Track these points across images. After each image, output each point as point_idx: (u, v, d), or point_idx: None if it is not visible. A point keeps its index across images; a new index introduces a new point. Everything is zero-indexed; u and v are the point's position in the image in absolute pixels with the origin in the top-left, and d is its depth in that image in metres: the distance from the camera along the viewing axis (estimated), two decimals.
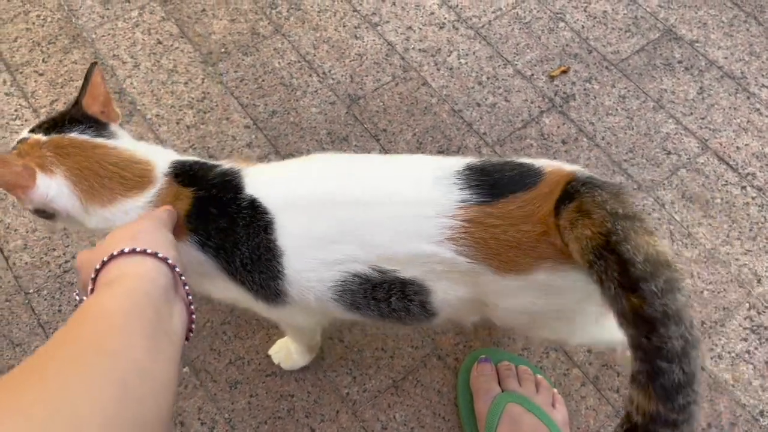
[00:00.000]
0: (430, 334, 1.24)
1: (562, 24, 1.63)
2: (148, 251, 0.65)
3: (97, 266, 0.64)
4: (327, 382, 1.20)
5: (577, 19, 1.63)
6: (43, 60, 1.59)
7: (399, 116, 1.50)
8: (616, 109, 1.49)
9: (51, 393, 0.43)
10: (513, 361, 1.17)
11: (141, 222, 0.73)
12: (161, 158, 0.88)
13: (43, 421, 0.41)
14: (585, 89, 1.52)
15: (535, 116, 1.49)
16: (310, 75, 1.57)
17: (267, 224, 0.82)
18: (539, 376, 1.14)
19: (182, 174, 0.87)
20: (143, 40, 1.63)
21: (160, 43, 1.63)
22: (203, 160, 0.91)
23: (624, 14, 1.64)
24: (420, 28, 1.64)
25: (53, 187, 0.83)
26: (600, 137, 1.46)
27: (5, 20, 1.67)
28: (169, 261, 0.66)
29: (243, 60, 1.59)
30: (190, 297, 0.68)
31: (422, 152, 1.44)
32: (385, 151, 1.44)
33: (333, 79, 1.56)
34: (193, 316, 0.69)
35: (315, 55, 1.60)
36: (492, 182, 0.76)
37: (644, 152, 1.43)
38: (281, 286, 0.85)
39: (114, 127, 0.92)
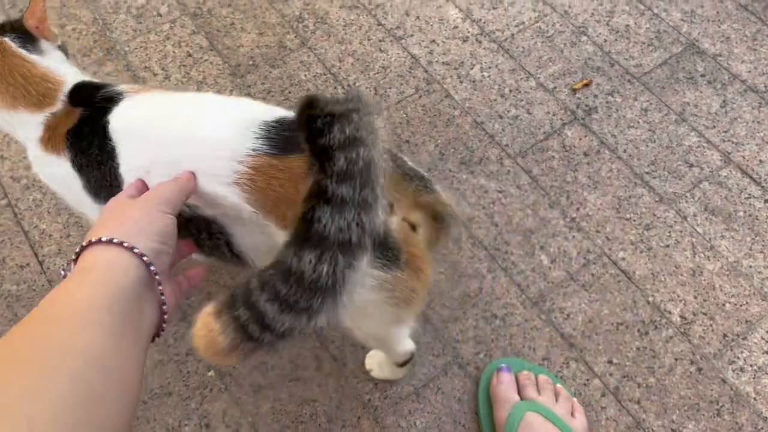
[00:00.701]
0: (451, 343, 1.26)
1: (584, 38, 1.64)
2: (125, 244, 0.62)
3: (77, 249, 0.63)
4: (349, 388, 1.22)
5: (600, 33, 1.65)
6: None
7: (422, 127, 1.52)
8: (638, 122, 1.50)
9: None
10: (533, 370, 1.18)
11: (137, 205, 0.70)
12: (71, 80, 0.94)
13: None
14: (607, 102, 1.54)
15: (557, 128, 1.50)
16: (335, 87, 1.60)
17: (112, 150, 0.87)
18: (559, 386, 1.15)
19: (75, 93, 0.93)
20: (174, 52, 1.68)
21: (190, 55, 1.68)
22: (99, 82, 0.96)
23: (647, 28, 1.65)
24: (443, 42, 1.66)
25: None
26: (622, 149, 1.46)
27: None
28: (145, 258, 0.63)
29: (270, 72, 1.63)
30: (163, 297, 0.66)
31: (445, 163, 1.46)
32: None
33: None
34: (165, 316, 0.67)
35: (340, 68, 1.64)
36: (287, 138, 0.77)
37: (666, 165, 1.44)
38: None
39: (46, 45, 0.97)
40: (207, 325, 0.60)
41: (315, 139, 0.58)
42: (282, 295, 0.57)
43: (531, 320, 1.27)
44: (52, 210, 1.43)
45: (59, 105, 0.92)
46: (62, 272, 0.67)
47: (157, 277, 0.65)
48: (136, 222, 0.66)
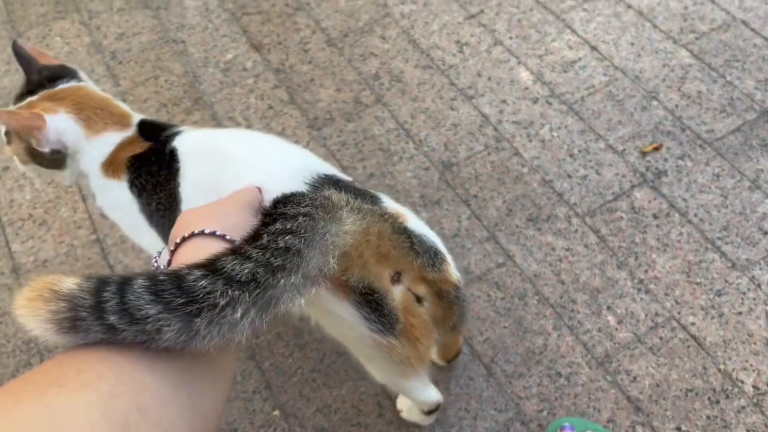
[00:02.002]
0: (514, 399, 1.25)
1: (655, 102, 1.66)
2: (227, 237, 0.60)
3: (177, 240, 0.61)
4: None
5: (671, 98, 1.66)
6: (167, 119, 1.76)
7: (490, 183, 1.55)
8: (710, 187, 1.50)
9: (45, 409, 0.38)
10: (597, 431, 1.16)
11: (226, 203, 0.69)
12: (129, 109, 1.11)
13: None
14: (678, 166, 1.54)
15: (626, 190, 1.51)
16: (407, 142, 1.66)
17: (176, 171, 0.98)
18: None
19: (143, 126, 1.07)
20: (256, 104, 1.78)
21: (271, 107, 1.77)
22: (160, 122, 1.11)
23: (719, 95, 1.66)
24: (514, 102, 1.71)
25: (60, 120, 1.02)
26: (693, 214, 1.46)
27: (138, 83, 1.87)
28: None
29: (345, 126, 1.71)
30: None
31: (512, 219, 1.48)
32: (475, 216, 1.50)
33: (428, 146, 1.65)
34: None
35: (412, 124, 1.70)
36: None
37: (739, 231, 1.42)
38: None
39: (84, 76, 1.13)
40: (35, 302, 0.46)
41: (259, 229, 0.60)
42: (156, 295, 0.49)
43: (596, 381, 1.26)
44: (136, 247, 1.51)
45: (133, 130, 1.07)
46: (154, 262, 0.68)
47: None
48: (230, 218, 0.64)
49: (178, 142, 1.02)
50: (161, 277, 0.46)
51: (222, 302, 0.46)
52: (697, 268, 1.38)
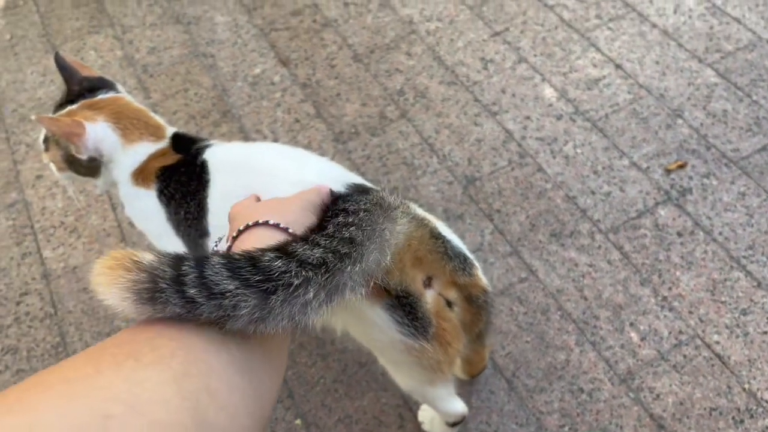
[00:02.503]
0: (535, 413, 1.25)
1: (680, 121, 1.66)
2: (290, 230, 0.59)
3: (241, 227, 0.60)
4: None
5: (696, 117, 1.66)
6: (196, 132, 1.80)
7: (513, 199, 1.56)
8: (735, 206, 1.49)
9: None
10: None
11: (292, 200, 0.67)
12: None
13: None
14: (702, 184, 1.54)
15: (650, 207, 1.51)
16: (431, 156, 1.68)
17: (206, 183, 1.02)
18: None
19: (176, 139, 1.12)
20: (283, 117, 1.82)
21: (297, 121, 1.80)
22: (192, 135, 1.15)
23: (745, 114, 1.65)
24: (538, 118, 1.72)
25: (99, 128, 1.06)
26: (717, 232, 1.45)
27: (168, 96, 1.91)
28: None
29: (370, 140, 1.73)
30: None
31: (535, 234, 1.49)
32: (498, 231, 1.51)
33: (452, 161, 1.66)
34: None
35: (436, 139, 1.72)
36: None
37: (765, 250, 1.41)
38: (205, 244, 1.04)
39: (122, 89, 1.18)
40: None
41: (323, 222, 0.60)
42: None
43: (618, 397, 1.25)
44: None
45: (166, 142, 1.11)
46: (214, 246, 0.67)
47: None
48: (293, 214, 0.62)
49: (208, 155, 1.06)
50: (236, 256, 0.47)
51: (296, 282, 0.46)
52: (722, 286, 1.37)
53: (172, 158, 1.09)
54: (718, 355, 1.29)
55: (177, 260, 0.45)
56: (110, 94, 1.12)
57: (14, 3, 2.28)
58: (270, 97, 1.88)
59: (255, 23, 2.09)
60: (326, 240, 0.52)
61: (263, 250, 0.49)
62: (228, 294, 0.44)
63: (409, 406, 1.29)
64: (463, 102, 1.79)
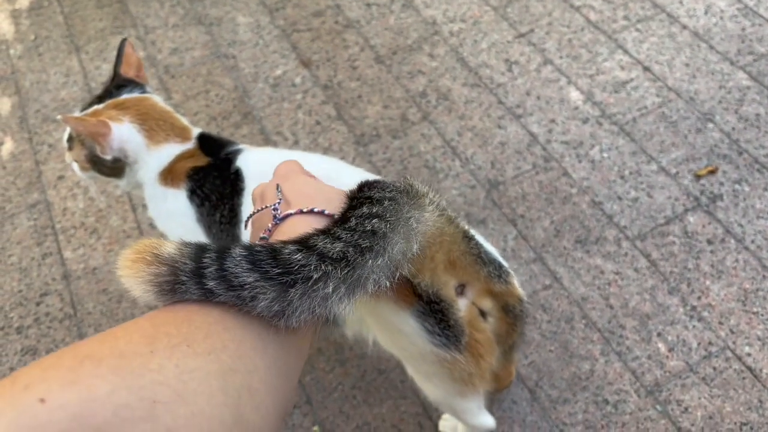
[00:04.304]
0: (558, 425, 1.22)
1: (710, 125, 1.62)
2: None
3: (285, 213, 0.58)
4: None
5: (728, 121, 1.62)
6: (217, 133, 1.79)
7: (537, 203, 1.53)
8: None
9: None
10: None
11: (333, 188, 0.64)
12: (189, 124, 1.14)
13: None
14: (734, 190, 1.49)
15: (678, 214, 1.47)
16: (453, 160, 1.65)
17: (241, 191, 1.03)
18: None
19: (203, 141, 1.11)
20: (304, 119, 1.80)
21: (318, 123, 1.79)
22: (219, 137, 1.16)
23: None
24: (563, 122, 1.68)
25: (125, 129, 1.05)
26: (749, 240, 1.41)
27: (189, 97, 1.91)
28: None
29: (392, 143, 1.71)
30: None
31: (560, 240, 1.45)
32: (522, 236, 1.47)
33: (474, 164, 1.63)
34: None
35: (459, 142, 1.69)
36: None
37: None
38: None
39: (149, 89, 1.16)
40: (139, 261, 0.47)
41: (347, 211, 0.57)
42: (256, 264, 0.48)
43: (645, 410, 1.22)
44: None
45: (193, 143, 1.10)
46: (276, 212, 0.64)
47: None
48: (336, 203, 0.60)
49: (242, 163, 1.05)
50: (257, 248, 0.47)
51: (315, 276, 0.46)
52: (753, 296, 1.33)
53: (202, 160, 1.08)
54: (749, 368, 1.24)
55: (199, 251, 0.46)
56: (135, 94, 1.11)
57: (39, 4, 2.29)
58: (291, 98, 1.86)
59: (277, 24, 2.08)
60: (347, 233, 0.51)
61: (284, 243, 0.49)
62: (247, 286, 0.44)
63: (428, 415, 1.26)
64: (487, 104, 1.76)
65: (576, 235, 1.46)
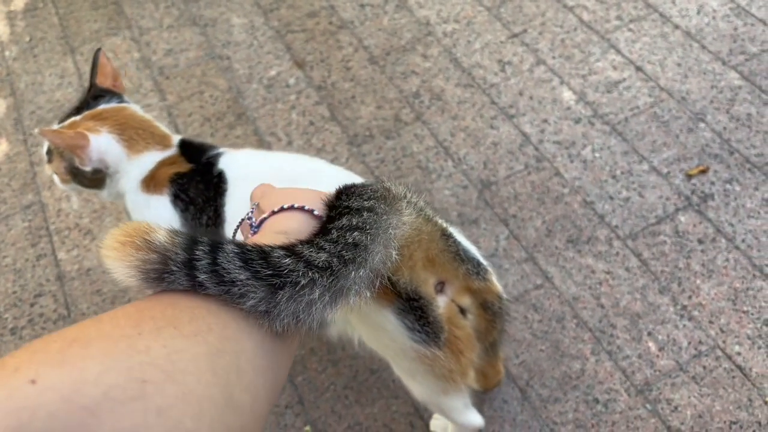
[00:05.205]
0: (549, 424, 1.22)
1: (702, 124, 1.62)
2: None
3: (275, 209, 0.58)
4: None
5: (719, 120, 1.62)
6: (211, 134, 1.80)
7: (530, 203, 1.54)
8: (759, 212, 1.45)
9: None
10: None
11: (308, 190, 0.64)
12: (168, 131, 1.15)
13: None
14: (725, 190, 1.49)
15: (670, 213, 1.47)
16: (446, 160, 1.66)
17: (224, 192, 1.04)
18: None
19: (184, 147, 1.12)
20: (298, 120, 1.81)
21: (312, 124, 1.79)
22: (199, 142, 1.17)
23: None
24: (556, 122, 1.69)
25: (103, 140, 1.05)
26: (740, 239, 1.41)
27: (183, 98, 1.91)
28: None
29: (385, 143, 1.71)
30: None
31: (552, 240, 1.46)
32: (514, 236, 1.48)
33: (467, 164, 1.64)
34: None
35: (452, 142, 1.69)
36: None
37: None
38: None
39: (126, 98, 1.16)
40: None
41: (326, 224, 0.57)
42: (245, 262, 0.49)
43: (635, 409, 1.22)
44: None
45: (174, 150, 1.11)
46: (247, 220, 0.65)
47: None
48: (316, 201, 0.61)
49: (224, 165, 1.05)
50: (249, 248, 0.47)
51: (303, 281, 0.47)
52: (744, 295, 1.33)
53: (185, 166, 1.09)
54: (739, 367, 1.25)
55: (190, 242, 0.45)
56: (113, 104, 1.11)
57: (34, 5, 2.30)
58: (285, 99, 1.87)
59: (271, 25, 2.09)
60: (330, 245, 0.52)
61: (272, 247, 0.49)
62: (238, 283, 0.44)
63: (420, 415, 1.27)
64: (480, 105, 1.77)
65: (567, 234, 1.47)
